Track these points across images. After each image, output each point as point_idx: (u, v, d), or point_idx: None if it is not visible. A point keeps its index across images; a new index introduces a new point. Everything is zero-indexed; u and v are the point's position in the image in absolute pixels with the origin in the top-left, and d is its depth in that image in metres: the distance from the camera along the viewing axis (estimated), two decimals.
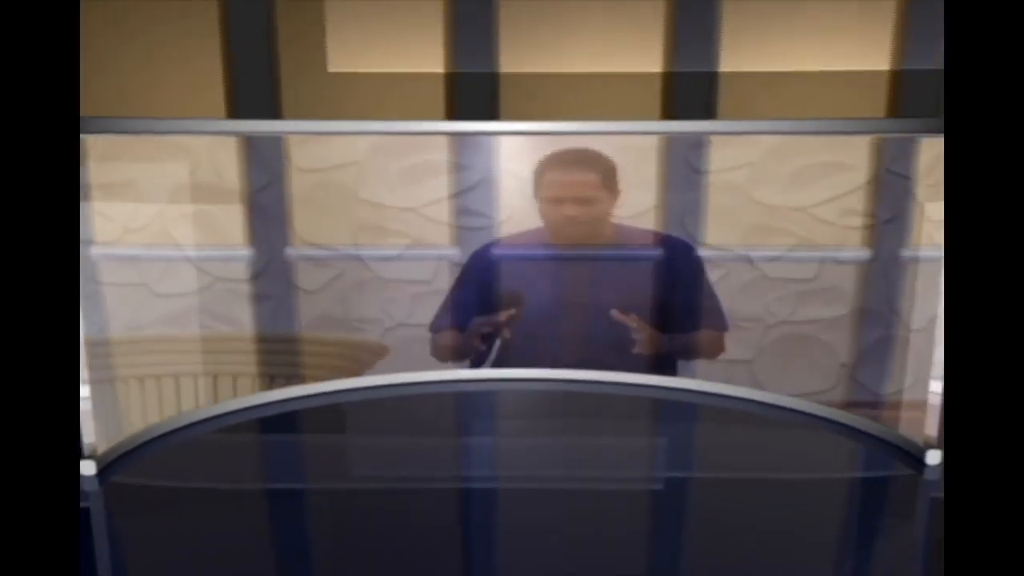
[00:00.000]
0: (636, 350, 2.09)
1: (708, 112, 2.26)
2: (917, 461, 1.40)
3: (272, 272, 2.34)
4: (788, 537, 1.18)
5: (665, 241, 2.31)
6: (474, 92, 2.24)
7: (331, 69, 2.20)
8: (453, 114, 2.29)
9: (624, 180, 2.18)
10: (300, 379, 2.41)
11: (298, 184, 2.30)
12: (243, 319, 2.34)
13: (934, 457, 1.38)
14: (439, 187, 2.37)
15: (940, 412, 1.37)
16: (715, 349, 2.24)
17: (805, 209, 2.35)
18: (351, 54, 2.22)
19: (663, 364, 2.16)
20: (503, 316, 2.08)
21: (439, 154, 2.38)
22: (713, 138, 2.38)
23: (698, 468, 1.48)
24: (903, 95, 2.23)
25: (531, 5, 2.21)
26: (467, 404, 1.79)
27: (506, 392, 1.82)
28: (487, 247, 2.30)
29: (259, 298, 2.35)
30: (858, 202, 2.34)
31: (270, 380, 2.42)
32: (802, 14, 2.21)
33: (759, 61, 2.22)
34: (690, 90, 2.24)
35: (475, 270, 2.25)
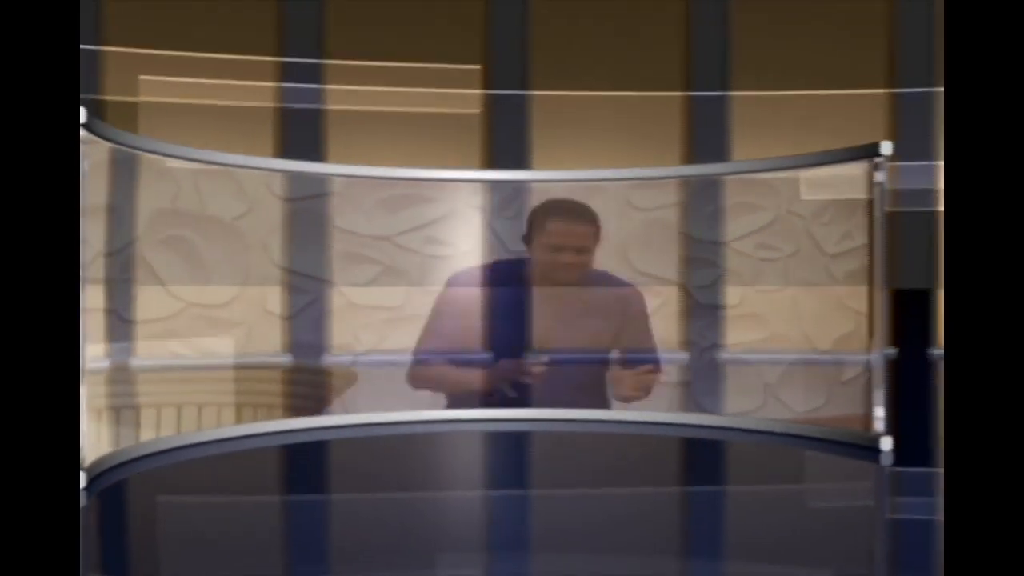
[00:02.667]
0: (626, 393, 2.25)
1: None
2: (872, 450, 1.61)
3: (245, 298, 2.35)
4: (793, 527, 1.34)
5: (620, 284, 2.42)
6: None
7: None
8: None
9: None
10: (269, 407, 2.40)
11: (276, 212, 2.34)
12: (216, 346, 2.34)
13: (887, 443, 1.60)
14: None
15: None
16: (650, 388, 2.34)
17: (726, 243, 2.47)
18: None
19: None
20: (535, 368, 2.20)
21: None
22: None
23: (694, 483, 1.66)
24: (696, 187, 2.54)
25: (359, 115, 2.46)
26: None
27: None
28: (462, 274, 2.36)
29: (232, 324, 2.35)
30: (767, 238, 2.48)
31: (237, 409, 2.40)
32: (600, 119, 2.70)
33: (566, 163, 2.62)
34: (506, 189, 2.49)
35: (454, 299, 2.31)
